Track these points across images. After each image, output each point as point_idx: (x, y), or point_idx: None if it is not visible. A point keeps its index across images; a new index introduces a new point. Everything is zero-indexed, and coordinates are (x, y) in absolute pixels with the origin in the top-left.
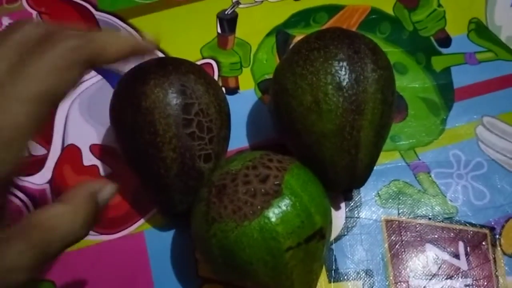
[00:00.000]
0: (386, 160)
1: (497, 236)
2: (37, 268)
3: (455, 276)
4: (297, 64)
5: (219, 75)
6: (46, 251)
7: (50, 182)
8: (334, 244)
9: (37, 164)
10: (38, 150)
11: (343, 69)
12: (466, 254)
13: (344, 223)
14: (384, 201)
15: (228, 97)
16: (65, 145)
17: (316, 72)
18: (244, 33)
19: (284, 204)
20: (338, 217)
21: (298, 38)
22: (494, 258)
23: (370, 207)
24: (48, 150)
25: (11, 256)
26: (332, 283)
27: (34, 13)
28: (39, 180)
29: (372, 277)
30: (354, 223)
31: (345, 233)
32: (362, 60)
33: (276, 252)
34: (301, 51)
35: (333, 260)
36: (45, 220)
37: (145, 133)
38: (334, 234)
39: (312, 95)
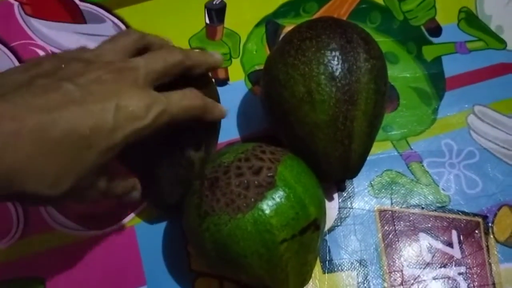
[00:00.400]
0: (379, 150)
1: (490, 224)
2: None
3: (448, 264)
4: (289, 54)
5: None
6: None
7: None
8: (327, 235)
9: None
10: None
11: (336, 58)
12: (459, 242)
13: (337, 213)
14: (377, 191)
15: (218, 88)
16: None
17: (309, 62)
18: (233, 24)
19: (278, 196)
20: (331, 208)
21: (288, 28)
22: (487, 246)
23: (363, 197)
24: None
25: None
26: (326, 274)
27: (15, 4)
28: None
29: (366, 267)
30: (347, 214)
31: (339, 223)
32: (355, 50)
33: (271, 244)
34: (292, 40)
35: (327, 251)
36: None
37: None
38: (327, 225)
39: (305, 85)
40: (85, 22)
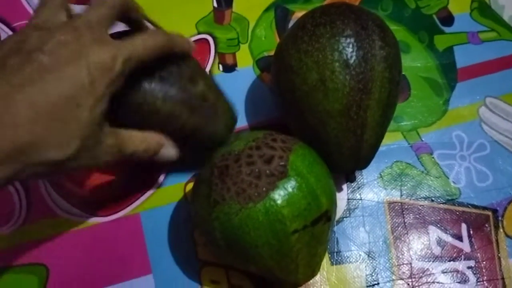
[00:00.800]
0: (389, 141)
1: (500, 218)
2: None
3: (457, 258)
4: (302, 40)
5: (215, 51)
6: None
7: None
8: (336, 226)
9: None
10: None
11: (351, 45)
12: (469, 236)
13: (346, 205)
14: (386, 182)
15: (225, 74)
16: None
17: (323, 49)
18: (241, 8)
19: (290, 186)
20: (340, 199)
21: (298, 14)
22: (497, 240)
23: (372, 188)
24: None
25: None
26: (334, 265)
27: None
28: None
29: (374, 259)
30: (356, 205)
31: (347, 215)
32: (370, 37)
33: (282, 235)
34: (306, 26)
35: (335, 242)
36: None
37: None
38: (336, 216)
39: (318, 73)
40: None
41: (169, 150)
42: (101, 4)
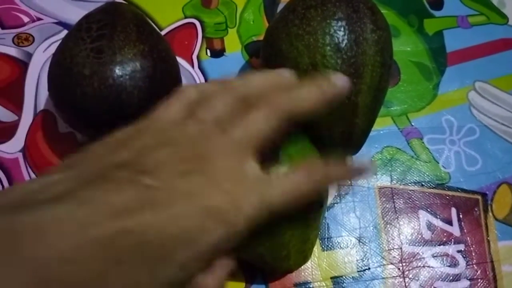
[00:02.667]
0: (379, 126)
1: (489, 201)
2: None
3: (447, 242)
4: (293, 24)
5: (203, 36)
6: None
7: (23, 150)
8: (326, 212)
9: (7, 131)
10: (8, 116)
11: (342, 29)
12: (459, 220)
13: (337, 190)
14: (377, 168)
15: (213, 60)
16: (38, 111)
17: (314, 32)
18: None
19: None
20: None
21: None
22: (486, 224)
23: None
24: (19, 117)
25: None
26: (325, 251)
27: None
28: (11, 148)
29: (365, 245)
30: (347, 191)
31: (338, 200)
32: (362, 20)
33: (273, 221)
34: (296, 9)
35: (326, 228)
36: None
37: None
38: (326, 202)
39: (309, 57)
40: None
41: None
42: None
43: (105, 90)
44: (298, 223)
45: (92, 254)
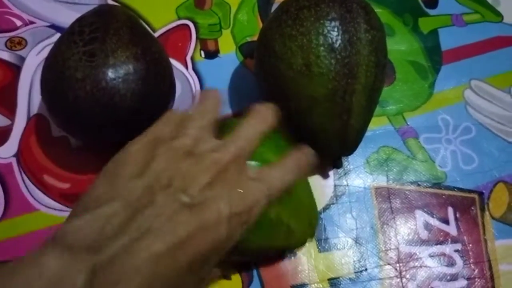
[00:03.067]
0: (375, 126)
1: (486, 200)
2: None
3: (444, 241)
4: (286, 24)
5: (197, 38)
6: None
7: (16, 155)
8: (323, 213)
9: (1, 136)
10: (1, 121)
11: (336, 29)
12: (456, 219)
13: (333, 191)
14: (373, 168)
15: (207, 61)
16: (31, 115)
17: (307, 33)
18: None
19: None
20: (327, 186)
21: None
22: (483, 223)
23: (359, 174)
24: (12, 121)
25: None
26: (322, 253)
27: None
28: (4, 153)
29: (362, 245)
30: (343, 192)
31: (334, 201)
32: (355, 20)
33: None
34: (290, 9)
35: (323, 229)
36: None
37: None
38: (323, 203)
39: (303, 57)
40: None
41: None
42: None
43: (97, 93)
44: (285, 208)
45: (165, 281)
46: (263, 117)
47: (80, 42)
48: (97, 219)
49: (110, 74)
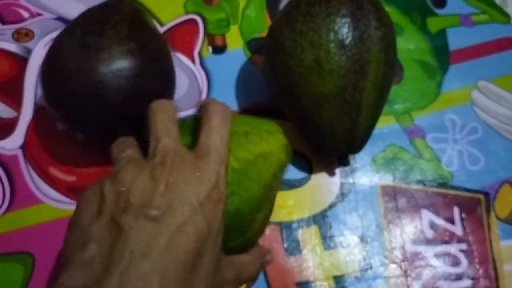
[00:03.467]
0: (382, 124)
1: (491, 201)
2: None
3: (450, 241)
4: (297, 20)
5: (205, 33)
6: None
7: (22, 147)
8: (328, 211)
9: (7, 127)
10: (7, 112)
11: (346, 26)
12: (461, 219)
13: (339, 189)
14: (379, 166)
15: (215, 56)
16: (38, 107)
17: (318, 29)
18: None
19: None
20: (333, 184)
21: None
22: (488, 223)
23: (365, 172)
24: (19, 113)
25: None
26: (327, 250)
27: None
28: (10, 145)
29: (367, 244)
30: (349, 190)
31: (340, 199)
32: (366, 17)
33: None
34: (300, 6)
35: (328, 227)
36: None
37: None
38: (328, 200)
39: (313, 54)
40: None
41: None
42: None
43: (88, 87)
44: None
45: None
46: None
47: (78, 34)
48: (82, 264)
49: (102, 68)
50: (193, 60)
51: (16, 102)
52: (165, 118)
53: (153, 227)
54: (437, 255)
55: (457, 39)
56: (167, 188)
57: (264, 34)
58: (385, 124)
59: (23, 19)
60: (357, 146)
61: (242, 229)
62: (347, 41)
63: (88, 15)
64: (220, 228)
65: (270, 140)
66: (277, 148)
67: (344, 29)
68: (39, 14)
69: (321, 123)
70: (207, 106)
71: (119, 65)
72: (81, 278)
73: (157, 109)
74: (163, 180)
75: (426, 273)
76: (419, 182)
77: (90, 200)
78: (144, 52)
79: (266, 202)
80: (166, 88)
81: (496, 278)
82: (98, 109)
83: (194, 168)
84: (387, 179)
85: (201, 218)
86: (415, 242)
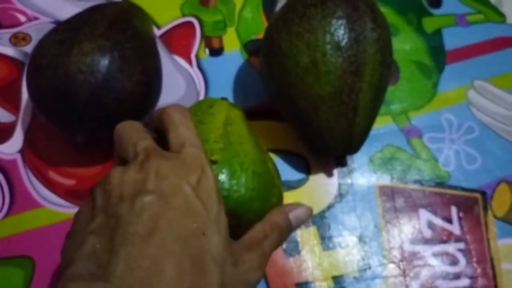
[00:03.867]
0: (379, 124)
1: (488, 200)
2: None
3: (448, 240)
4: (293, 22)
5: (201, 35)
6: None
7: (21, 151)
8: (327, 212)
9: (6, 132)
10: (6, 117)
11: (342, 27)
12: (459, 218)
13: (337, 190)
14: (377, 166)
15: (212, 59)
16: (36, 111)
17: (314, 31)
18: None
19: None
20: (331, 184)
21: None
22: (486, 222)
23: (363, 173)
24: (17, 117)
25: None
26: (326, 251)
27: None
28: (9, 149)
29: (366, 244)
30: (347, 190)
31: (338, 200)
32: (362, 19)
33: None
34: (296, 7)
35: (327, 228)
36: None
37: None
38: (327, 201)
39: (310, 55)
40: None
41: (299, 210)
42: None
43: (57, 82)
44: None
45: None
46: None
47: (59, 32)
48: (84, 255)
49: (70, 63)
50: (190, 63)
51: (14, 106)
52: (134, 128)
53: (151, 210)
54: (435, 255)
55: (452, 39)
56: (157, 175)
57: (260, 36)
58: (382, 125)
59: (20, 23)
60: (354, 146)
61: (268, 190)
62: (343, 43)
63: (76, 16)
64: (220, 211)
65: (217, 110)
66: (227, 110)
67: (340, 31)
68: (36, 18)
69: (318, 124)
70: (162, 111)
71: (86, 61)
72: (85, 267)
73: (123, 126)
74: (151, 170)
75: (425, 273)
76: (416, 182)
77: (85, 212)
78: (115, 51)
79: (267, 159)
80: (140, 89)
81: (494, 276)
82: (66, 104)
83: (177, 161)
84: (385, 179)
85: (196, 200)
86: (413, 241)
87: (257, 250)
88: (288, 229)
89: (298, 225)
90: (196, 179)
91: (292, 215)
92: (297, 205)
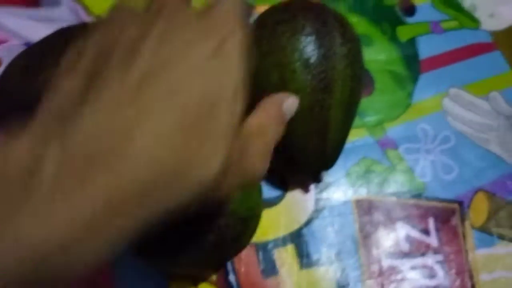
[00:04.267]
0: (354, 137)
1: (466, 209)
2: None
3: (426, 253)
4: (262, 42)
5: None
6: None
7: None
8: (304, 228)
9: None
10: None
11: (312, 44)
12: (436, 230)
13: (314, 205)
14: (353, 180)
15: None
16: None
17: (283, 49)
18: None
19: None
20: (308, 200)
21: (260, 8)
22: (463, 233)
23: (339, 187)
24: None
25: None
26: (303, 269)
27: None
28: None
29: (344, 260)
30: (324, 206)
31: (315, 216)
32: (331, 33)
33: None
34: (266, 25)
35: (304, 245)
36: None
37: None
38: (304, 217)
39: (279, 72)
40: (38, 5)
41: (290, 100)
42: None
43: (20, 107)
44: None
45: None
46: None
47: (26, 57)
48: (59, 93)
49: (35, 90)
50: None
51: None
52: None
53: (137, 84)
54: (413, 268)
55: (427, 47)
56: (161, 36)
57: None
58: (357, 137)
59: None
60: (328, 162)
61: None
62: (312, 60)
63: (44, 39)
64: (238, 88)
65: None
66: None
67: (309, 48)
68: (6, 41)
69: (291, 141)
70: None
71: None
72: (55, 104)
73: None
74: (155, 27)
75: (404, 287)
76: (393, 194)
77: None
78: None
79: None
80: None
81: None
82: None
83: (199, 19)
84: (362, 193)
85: (206, 78)
86: (391, 256)
87: (260, 138)
88: (283, 121)
89: (289, 117)
90: (216, 44)
91: (285, 106)
92: (285, 95)
